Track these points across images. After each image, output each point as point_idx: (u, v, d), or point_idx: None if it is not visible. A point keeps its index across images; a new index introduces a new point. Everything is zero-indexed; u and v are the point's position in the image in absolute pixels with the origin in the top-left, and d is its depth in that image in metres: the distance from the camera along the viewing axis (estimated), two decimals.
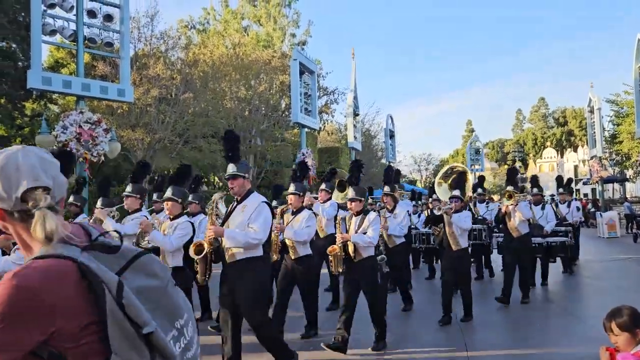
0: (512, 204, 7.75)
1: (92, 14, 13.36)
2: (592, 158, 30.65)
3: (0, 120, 22.79)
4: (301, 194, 6.35)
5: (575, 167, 59.24)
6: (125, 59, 14.06)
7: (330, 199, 7.85)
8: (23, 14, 22.14)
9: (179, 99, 20.88)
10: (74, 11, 12.91)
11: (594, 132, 30.17)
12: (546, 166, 64.93)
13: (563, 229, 10.57)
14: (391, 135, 34.68)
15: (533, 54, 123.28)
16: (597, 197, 33.53)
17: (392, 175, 7.97)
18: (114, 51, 14.65)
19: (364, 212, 5.73)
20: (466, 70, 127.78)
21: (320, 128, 30.76)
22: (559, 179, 13.11)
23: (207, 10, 38.55)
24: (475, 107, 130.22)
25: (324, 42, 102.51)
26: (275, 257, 6.14)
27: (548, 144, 72.52)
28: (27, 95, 22.81)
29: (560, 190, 11.97)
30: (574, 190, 14.60)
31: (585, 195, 47.55)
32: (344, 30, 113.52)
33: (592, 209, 29.56)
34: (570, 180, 12.73)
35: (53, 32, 12.79)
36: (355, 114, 28.29)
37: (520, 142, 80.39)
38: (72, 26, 12.94)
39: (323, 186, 7.82)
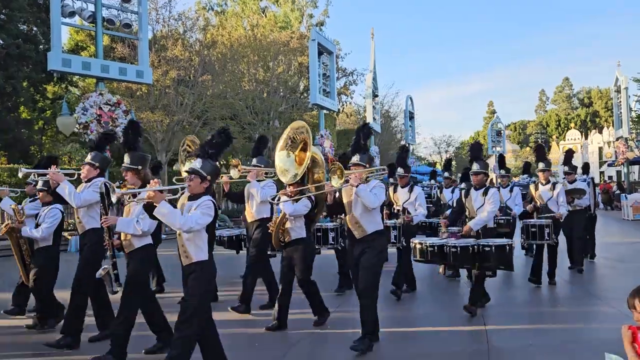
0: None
1: None
2: (617, 139, 29.92)
3: (23, 103, 23.17)
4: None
5: (600, 149, 57.93)
6: (143, 40, 14.08)
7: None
8: None
9: (197, 81, 20.90)
10: None
11: (620, 113, 29.41)
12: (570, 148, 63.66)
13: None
14: (411, 116, 34.30)
15: (558, 33, 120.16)
16: (623, 179, 32.79)
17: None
18: (132, 33, 14.68)
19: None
20: (488, 50, 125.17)
21: (338, 110, 30.53)
22: (568, 154, 9.60)
23: None
24: (497, 88, 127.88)
25: (342, 23, 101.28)
26: None
27: (572, 125, 70.97)
28: (48, 78, 23.10)
29: (566, 168, 9.49)
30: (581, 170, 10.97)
31: (610, 177, 46.57)
32: (363, 10, 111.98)
33: (617, 191, 28.93)
34: (570, 152, 9.51)
35: (72, 14, 12.86)
36: (375, 95, 28.00)
37: (543, 123, 78.86)
38: (91, 7, 12.97)
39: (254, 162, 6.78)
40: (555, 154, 63.64)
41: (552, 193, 7.84)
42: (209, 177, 3.93)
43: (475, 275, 6.12)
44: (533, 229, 7.67)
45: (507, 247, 5.89)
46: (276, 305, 5.67)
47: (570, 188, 8.89)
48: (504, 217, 8.48)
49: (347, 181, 4.80)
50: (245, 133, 25.06)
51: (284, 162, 5.37)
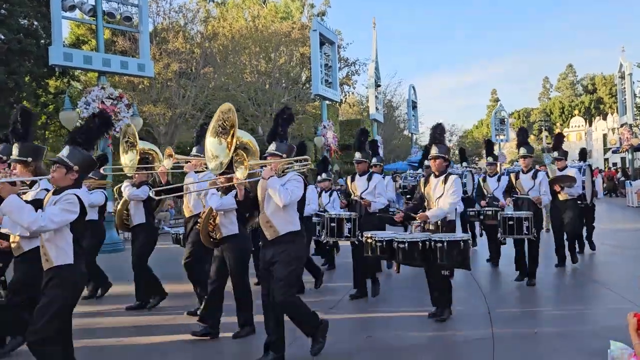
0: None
1: None
2: (622, 126, 29.75)
3: (26, 98, 23.12)
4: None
5: (604, 136, 57.63)
6: (144, 33, 14.05)
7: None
8: None
9: (199, 73, 20.86)
10: None
11: (625, 99, 29.21)
12: (574, 135, 63.37)
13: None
14: (414, 106, 34.17)
15: (560, 20, 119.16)
16: (627, 165, 32.64)
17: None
18: (133, 26, 14.65)
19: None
20: (490, 39, 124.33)
21: (341, 100, 30.44)
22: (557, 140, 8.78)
23: None
24: (500, 76, 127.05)
25: (343, 12, 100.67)
26: None
27: (576, 112, 70.58)
28: (50, 73, 23.08)
29: (555, 154, 8.38)
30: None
31: (615, 164, 46.37)
32: (365, 0, 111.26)
33: (622, 178, 28.81)
34: (560, 136, 8.82)
35: (72, 8, 12.84)
36: (377, 85, 27.90)
37: (547, 111, 78.46)
38: (91, 1, 12.95)
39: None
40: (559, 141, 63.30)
41: (534, 182, 7.04)
42: (75, 168, 3.46)
43: (433, 276, 5.45)
44: (510, 222, 6.91)
45: (462, 244, 5.12)
46: (205, 308, 5.07)
47: (559, 175, 8.13)
48: (490, 209, 8.02)
49: (256, 174, 4.25)
50: (248, 125, 25.04)
51: (216, 148, 4.60)
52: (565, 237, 8.14)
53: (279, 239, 4.20)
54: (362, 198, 6.50)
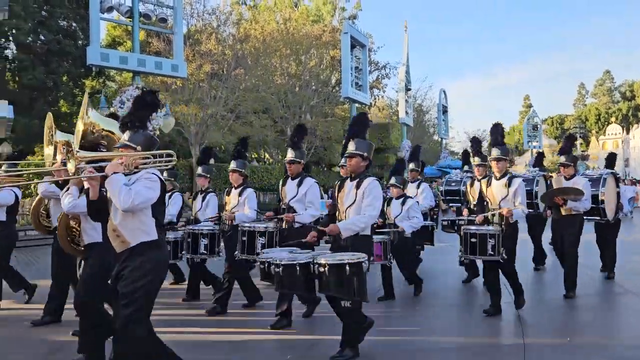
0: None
1: None
2: None
3: (63, 97, 23.85)
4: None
5: None
6: (178, 35, 14.33)
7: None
8: None
9: (230, 75, 21.11)
10: None
11: None
12: (610, 143, 61.65)
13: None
14: (444, 110, 33.87)
15: (597, 24, 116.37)
16: None
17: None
18: (167, 27, 14.94)
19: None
20: (524, 42, 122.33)
21: (370, 103, 30.38)
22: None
23: None
24: (533, 81, 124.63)
25: (375, 15, 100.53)
26: None
27: (613, 119, 68.67)
28: (86, 73, 23.76)
29: (562, 158, 6.83)
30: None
31: None
32: (397, 3, 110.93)
33: None
34: (571, 138, 7.28)
35: (110, 9, 13.20)
36: (407, 89, 27.77)
37: (582, 117, 76.59)
38: (128, 2, 13.29)
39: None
40: (595, 149, 61.74)
41: (508, 190, 5.60)
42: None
43: (336, 307, 4.30)
44: (473, 240, 5.59)
45: (347, 268, 3.92)
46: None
47: (565, 186, 6.61)
48: (466, 218, 6.63)
49: (100, 169, 3.43)
50: (277, 127, 25.21)
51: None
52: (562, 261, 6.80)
53: (128, 251, 3.40)
54: (290, 208, 5.39)
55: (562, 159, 6.79)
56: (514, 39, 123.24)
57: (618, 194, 7.68)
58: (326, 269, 3.97)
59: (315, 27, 27.26)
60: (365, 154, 4.45)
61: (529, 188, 7.36)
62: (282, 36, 25.07)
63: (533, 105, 55.73)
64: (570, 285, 6.46)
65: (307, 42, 25.57)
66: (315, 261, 4.05)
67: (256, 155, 31.27)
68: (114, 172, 3.27)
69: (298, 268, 4.09)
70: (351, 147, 4.49)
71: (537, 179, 7.87)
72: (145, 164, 3.51)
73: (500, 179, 5.73)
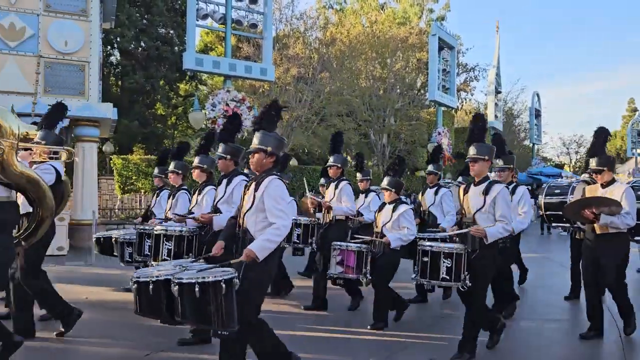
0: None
1: None
2: None
3: (159, 100, 25.27)
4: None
5: None
6: (268, 39, 14.66)
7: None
8: (179, 1, 24.17)
9: (316, 78, 21.31)
10: None
11: None
12: None
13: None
14: (537, 114, 32.17)
15: None
16: None
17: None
18: (257, 32, 15.34)
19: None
20: (629, 42, 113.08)
21: (457, 107, 29.45)
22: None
23: None
24: (639, 84, 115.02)
25: (464, 16, 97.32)
26: None
27: None
28: (181, 77, 25.05)
29: (594, 162, 5.12)
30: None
31: None
32: (488, 3, 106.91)
33: None
34: (604, 133, 5.22)
35: (205, 16, 13.77)
36: (497, 92, 26.67)
37: None
38: (222, 10, 13.80)
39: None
40: None
41: (485, 199, 4.37)
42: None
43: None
44: (425, 259, 4.63)
45: (198, 289, 3.11)
46: None
47: (599, 195, 5.05)
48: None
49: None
50: (361, 130, 25.10)
51: None
52: (603, 292, 5.32)
53: None
54: (217, 210, 4.71)
55: (594, 163, 5.10)
56: (618, 40, 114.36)
57: None
58: (176, 289, 3.17)
59: (401, 30, 26.87)
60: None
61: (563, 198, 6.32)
62: (368, 39, 24.94)
63: (639, 110, 51.47)
64: (629, 319, 5.13)
65: (393, 44, 25.25)
66: (175, 282, 3.20)
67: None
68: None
69: (151, 287, 3.29)
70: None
71: (573, 186, 6.38)
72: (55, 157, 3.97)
73: (477, 184, 4.45)
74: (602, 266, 4.96)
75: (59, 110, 5.14)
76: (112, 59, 24.55)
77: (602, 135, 5.18)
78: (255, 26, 14.63)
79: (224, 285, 3.12)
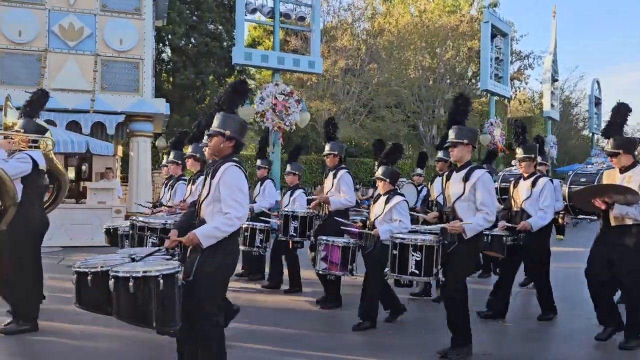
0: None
1: None
2: None
3: (209, 95, 25.70)
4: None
5: None
6: (315, 32, 14.58)
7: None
8: None
9: (363, 70, 21.10)
10: None
11: None
12: None
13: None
14: (597, 102, 30.59)
15: None
16: None
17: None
18: (305, 25, 15.30)
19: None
20: None
21: (511, 96, 28.44)
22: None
23: None
24: None
25: (518, 2, 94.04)
26: None
27: None
28: (230, 72, 25.37)
29: (609, 146, 4.63)
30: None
31: None
32: None
33: None
34: (623, 109, 4.71)
35: (254, 11, 13.87)
36: (554, 80, 25.53)
37: None
38: (270, 3, 13.85)
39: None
40: None
41: (464, 186, 4.07)
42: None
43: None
44: (395, 251, 4.25)
45: (132, 284, 2.77)
46: None
47: (617, 182, 4.49)
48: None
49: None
50: (410, 121, 24.69)
51: None
52: (617, 294, 4.94)
53: None
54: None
55: (609, 145, 4.53)
56: None
57: None
58: (112, 282, 2.82)
59: (452, 18, 26.17)
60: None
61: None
62: (417, 29, 24.44)
63: None
64: (632, 333, 4.44)
65: (443, 33, 24.65)
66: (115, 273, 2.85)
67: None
68: None
69: (89, 278, 2.94)
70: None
71: (600, 173, 5.09)
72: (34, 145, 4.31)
73: (459, 171, 4.12)
74: (616, 262, 4.38)
75: (40, 98, 5.00)
76: (164, 55, 25.16)
77: (620, 111, 4.60)
78: (303, 19, 14.60)
79: (161, 281, 2.78)
